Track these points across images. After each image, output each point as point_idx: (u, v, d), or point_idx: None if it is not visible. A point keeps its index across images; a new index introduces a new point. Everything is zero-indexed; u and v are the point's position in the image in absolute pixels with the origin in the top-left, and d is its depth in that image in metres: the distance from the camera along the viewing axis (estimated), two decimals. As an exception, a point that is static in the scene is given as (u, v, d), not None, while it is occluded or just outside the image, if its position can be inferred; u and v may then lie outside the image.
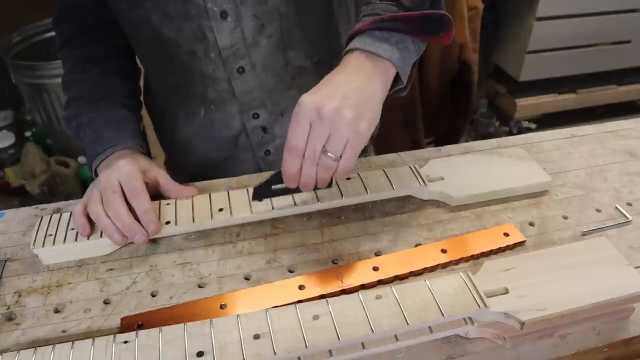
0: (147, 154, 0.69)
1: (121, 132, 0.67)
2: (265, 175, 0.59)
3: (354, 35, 0.55)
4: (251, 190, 0.61)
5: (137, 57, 0.78)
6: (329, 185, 0.55)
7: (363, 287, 0.53)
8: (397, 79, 0.56)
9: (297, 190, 0.55)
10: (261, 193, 0.60)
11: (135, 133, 0.69)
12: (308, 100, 0.49)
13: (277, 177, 0.56)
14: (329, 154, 0.50)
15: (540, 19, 1.94)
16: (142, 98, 0.79)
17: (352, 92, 0.50)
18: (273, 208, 0.60)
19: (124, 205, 0.57)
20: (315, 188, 0.54)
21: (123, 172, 0.59)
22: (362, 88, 0.51)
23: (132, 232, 0.56)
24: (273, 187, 0.59)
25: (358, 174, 0.64)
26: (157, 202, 0.61)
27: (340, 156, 0.50)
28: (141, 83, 0.81)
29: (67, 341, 0.44)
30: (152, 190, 0.62)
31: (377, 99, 0.52)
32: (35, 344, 0.48)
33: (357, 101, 0.50)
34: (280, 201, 0.60)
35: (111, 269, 0.56)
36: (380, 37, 0.54)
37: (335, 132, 0.49)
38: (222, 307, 0.50)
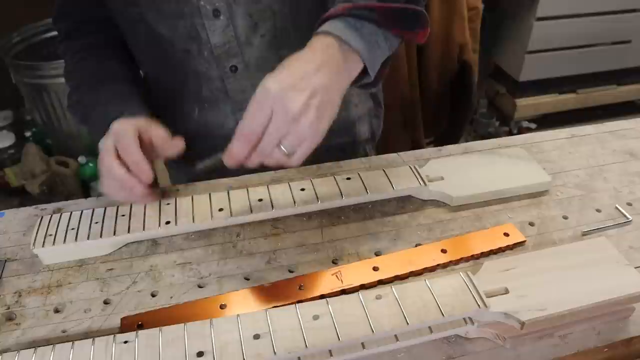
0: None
1: (125, 105, 0.65)
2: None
3: (326, 19, 0.54)
4: (251, 191, 0.61)
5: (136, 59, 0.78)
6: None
7: (363, 287, 0.53)
8: (365, 72, 0.55)
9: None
10: (194, 162, 0.57)
11: (139, 104, 0.67)
12: (275, 87, 0.48)
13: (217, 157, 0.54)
14: (283, 148, 0.49)
15: (540, 19, 1.94)
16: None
17: (320, 90, 0.49)
18: (273, 208, 0.60)
19: (117, 163, 0.56)
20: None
21: (112, 132, 0.58)
22: (329, 85, 0.50)
23: (127, 185, 0.55)
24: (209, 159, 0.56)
25: (358, 174, 0.64)
26: (158, 202, 0.61)
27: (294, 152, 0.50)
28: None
29: (67, 341, 0.44)
30: (160, 148, 0.60)
31: (339, 96, 0.52)
32: (35, 344, 0.48)
33: (322, 101, 0.49)
34: (280, 201, 0.60)
35: (111, 269, 0.56)
36: (352, 25, 0.53)
37: (296, 131, 0.49)
38: (222, 307, 0.50)
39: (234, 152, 0.51)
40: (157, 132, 0.61)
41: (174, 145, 0.61)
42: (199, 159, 0.79)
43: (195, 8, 0.64)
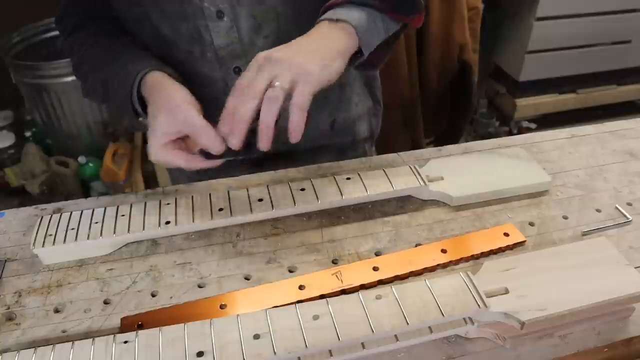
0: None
1: (150, 61, 0.63)
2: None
3: (329, 8, 0.57)
4: (251, 190, 0.61)
5: None
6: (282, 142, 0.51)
7: (363, 287, 0.53)
8: (359, 53, 0.57)
9: (245, 152, 0.52)
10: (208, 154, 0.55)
11: (161, 63, 0.64)
12: (262, 53, 0.52)
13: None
14: (277, 83, 0.50)
15: (540, 19, 1.94)
16: None
17: (305, 44, 0.52)
18: (273, 208, 0.60)
19: (200, 119, 0.54)
20: (254, 132, 0.50)
21: (164, 113, 0.55)
22: (318, 40, 0.53)
23: (209, 139, 0.52)
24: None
25: (358, 174, 0.64)
26: (157, 202, 0.61)
27: (288, 91, 0.50)
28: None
29: (67, 341, 0.44)
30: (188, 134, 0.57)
31: (334, 49, 0.54)
32: (35, 344, 0.48)
33: (310, 49, 0.52)
34: (280, 201, 0.60)
35: (111, 269, 0.56)
36: (349, 8, 0.56)
37: (283, 69, 0.50)
38: (222, 307, 0.50)
39: (226, 106, 0.51)
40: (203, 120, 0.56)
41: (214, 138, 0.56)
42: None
43: (199, 9, 0.64)
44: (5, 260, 0.57)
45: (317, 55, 0.52)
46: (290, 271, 0.55)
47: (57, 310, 0.51)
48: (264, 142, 0.50)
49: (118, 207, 0.60)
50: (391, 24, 0.60)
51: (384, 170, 0.64)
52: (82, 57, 0.72)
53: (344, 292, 0.52)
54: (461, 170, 0.66)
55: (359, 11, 0.56)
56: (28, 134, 1.95)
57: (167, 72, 0.63)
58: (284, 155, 0.74)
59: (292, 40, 0.54)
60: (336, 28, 0.55)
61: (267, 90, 0.49)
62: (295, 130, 0.50)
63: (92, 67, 0.70)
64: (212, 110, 0.73)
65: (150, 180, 1.85)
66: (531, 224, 0.61)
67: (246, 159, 0.55)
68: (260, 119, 0.50)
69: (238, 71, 0.69)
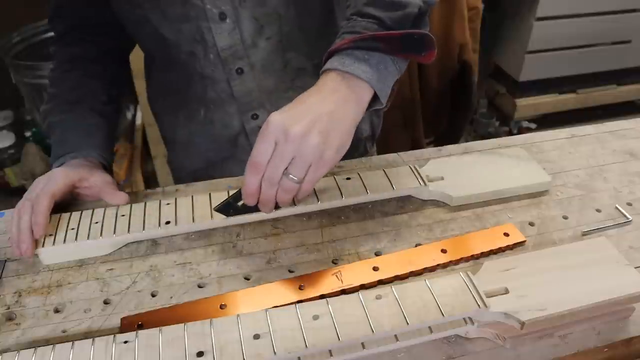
0: (109, 162, 0.70)
1: (85, 141, 0.67)
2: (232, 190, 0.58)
3: (333, 53, 0.54)
4: None
5: (144, 55, 0.78)
6: (293, 203, 0.56)
7: (363, 287, 0.53)
8: (375, 98, 0.54)
9: (258, 208, 0.54)
10: (227, 210, 0.58)
11: (101, 142, 0.69)
12: (277, 118, 0.48)
13: (240, 194, 0.54)
14: (291, 176, 0.49)
15: (540, 19, 1.94)
16: (128, 101, 0.80)
17: (323, 116, 0.49)
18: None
19: (25, 212, 0.57)
20: (277, 207, 0.54)
21: (44, 180, 0.60)
22: (334, 112, 0.50)
23: (18, 240, 0.55)
24: (238, 203, 0.57)
25: (358, 174, 0.64)
26: (157, 202, 0.61)
27: (303, 179, 0.50)
28: (143, 82, 0.81)
29: (67, 341, 0.44)
30: (94, 196, 0.63)
31: (349, 123, 0.51)
32: (35, 344, 0.48)
33: (327, 126, 0.49)
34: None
35: (111, 269, 0.56)
36: (359, 58, 0.52)
37: (299, 155, 0.48)
38: (222, 307, 0.50)
39: (246, 184, 0.51)
40: (99, 179, 0.63)
41: (118, 197, 0.62)
42: (202, 158, 0.79)
43: (201, 11, 0.64)
44: (5, 260, 0.57)
45: (335, 132, 0.50)
46: (290, 271, 0.55)
47: (57, 310, 0.51)
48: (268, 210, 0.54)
49: (118, 207, 0.60)
50: (402, 63, 0.57)
51: (384, 170, 0.64)
52: (53, 79, 0.76)
53: (344, 292, 0.52)
54: (461, 170, 0.66)
55: (368, 59, 0.53)
56: (28, 134, 1.95)
57: (93, 158, 0.67)
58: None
59: (306, 99, 0.51)
60: (350, 85, 0.52)
61: (282, 179, 0.50)
62: (299, 198, 0.53)
63: (54, 98, 0.73)
64: (215, 108, 0.73)
65: (150, 180, 1.85)
66: (531, 224, 0.61)
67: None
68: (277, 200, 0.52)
69: (240, 72, 0.69)
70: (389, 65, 0.55)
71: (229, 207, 0.57)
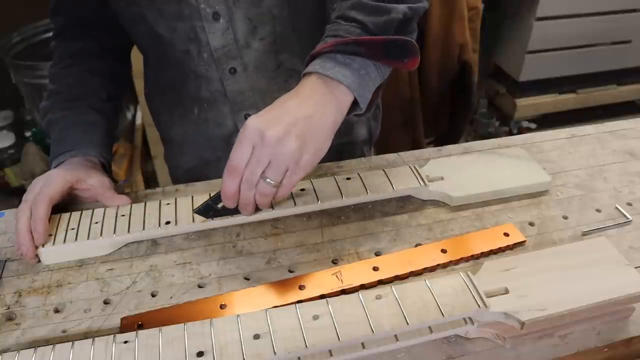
0: (108, 161, 0.70)
1: (84, 138, 0.67)
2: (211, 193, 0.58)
3: (315, 56, 0.53)
4: None
5: (141, 54, 0.78)
6: (271, 206, 0.57)
7: (363, 287, 0.53)
8: (356, 103, 0.54)
9: (238, 211, 0.55)
10: (207, 211, 0.58)
11: (100, 140, 0.69)
12: (253, 122, 0.49)
13: (220, 197, 0.54)
14: (268, 180, 0.49)
15: (540, 19, 1.94)
16: (130, 97, 0.80)
17: (300, 120, 0.49)
18: (273, 208, 0.60)
19: (23, 215, 0.57)
20: (257, 210, 0.54)
21: (41, 182, 0.60)
22: (312, 116, 0.50)
23: (18, 243, 0.56)
24: (218, 205, 0.57)
25: (358, 174, 0.64)
26: (157, 202, 0.61)
27: (280, 182, 0.50)
28: (141, 81, 0.81)
29: (67, 341, 0.44)
30: (92, 199, 0.63)
31: (328, 127, 0.51)
32: (35, 344, 0.48)
33: (304, 130, 0.49)
34: (280, 201, 0.60)
35: (111, 269, 0.56)
36: (341, 62, 0.52)
37: (276, 159, 0.48)
38: (222, 307, 0.50)
39: (225, 187, 0.51)
40: (96, 182, 0.63)
41: (117, 201, 0.62)
42: (197, 156, 0.79)
43: (195, 10, 0.64)
44: (5, 260, 0.57)
45: (312, 137, 0.49)
46: (290, 271, 0.55)
47: (57, 310, 0.51)
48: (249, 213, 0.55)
49: (118, 207, 0.60)
50: (385, 69, 0.56)
51: (384, 171, 0.64)
52: (53, 75, 0.75)
53: (344, 292, 0.52)
54: (461, 170, 0.66)
55: (350, 64, 0.52)
56: (28, 134, 1.95)
57: (92, 156, 0.67)
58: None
59: (285, 102, 0.51)
60: (329, 88, 0.51)
61: (259, 182, 0.50)
62: (277, 201, 0.54)
63: (54, 94, 0.73)
64: (209, 107, 0.73)
65: (150, 180, 1.85)
66: (531, 224, 0.61)
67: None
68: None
69: (233, 72, 0.69)
70: (371, 70, 0.54)
71: (209, 209, 0.58)
